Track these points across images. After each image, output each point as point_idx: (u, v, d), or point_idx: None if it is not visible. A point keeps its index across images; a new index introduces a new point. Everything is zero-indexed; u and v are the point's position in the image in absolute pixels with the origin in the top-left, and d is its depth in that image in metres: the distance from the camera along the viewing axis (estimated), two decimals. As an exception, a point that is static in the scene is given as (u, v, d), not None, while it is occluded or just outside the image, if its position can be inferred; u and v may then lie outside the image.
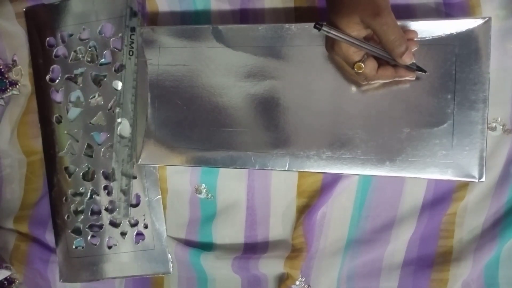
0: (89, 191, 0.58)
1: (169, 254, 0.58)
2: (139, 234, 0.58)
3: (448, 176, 0.47)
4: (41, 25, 0.59)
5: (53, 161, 0.59)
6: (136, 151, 0.56)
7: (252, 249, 0.57)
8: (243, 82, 0.51)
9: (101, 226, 0.58)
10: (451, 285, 0.54)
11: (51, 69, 0.58)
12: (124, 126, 0.57)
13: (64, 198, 0.59)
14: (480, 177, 0.46)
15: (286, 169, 0.50)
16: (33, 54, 0.59)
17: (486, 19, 0.46)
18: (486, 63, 0.46)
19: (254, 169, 0.51)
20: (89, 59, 0.58)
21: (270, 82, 0.51)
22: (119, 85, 0.57)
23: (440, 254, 0.55)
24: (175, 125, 0.53)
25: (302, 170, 0.50)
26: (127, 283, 0.60)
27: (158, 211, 0.58)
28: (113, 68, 0.57)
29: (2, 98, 0.61)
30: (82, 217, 0.58)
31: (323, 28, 0.41)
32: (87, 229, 0.58)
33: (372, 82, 0.47)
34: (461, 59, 0.46)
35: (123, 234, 0.58)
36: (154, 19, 0.57)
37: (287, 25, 0.50)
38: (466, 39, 0.46)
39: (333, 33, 0.41)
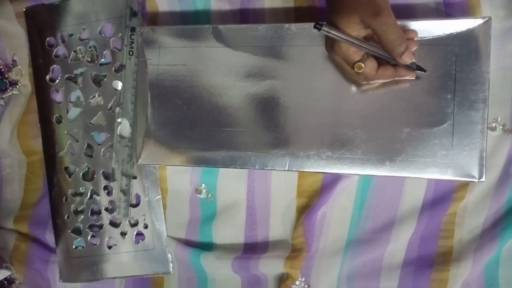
0: (89, 191, 0.58)
1: (169, 254, 0.58)
2: (139, 234, 0.58)
3: (448, 176, 0.47)
4: (41, 25, 0.59)
5: (53, 161, 0.59)
6: (136, 151, 0.56)
7: (252, 249, 0.57)
8: (243, 82, 0.51)
9: (101, 226, 0.58)
10: (451, 285, 0.54)
11: (51, 69, 0.59)
12: (124, 126, 0.57)
13: (64, 198, 0.59)
14: (480, 177, 0.46)
15: (286, 169, 0.50)
16: (33, 54, 0.60)
17: (486, 19, 0.46)
18: (486, 63, 0.46)
19: (254, 169, 0.51)
20: (89, 59, 0.58)
21: (270, 82, 0.51)
22: (119, 85, 0.57)
23: (440, 254, 0.55)
24: (175, 125, 0.53)
25: (302, 170, 0.50)
26: (127, 283, 0.60)
27: (158, 211, 0.58)
28: (113, 68, 0.57)
29: (2, 98, 0.61)
30: (82, 217, 0.58)
31: (323, 28, 0.41)
32: (87, 229, 0.58)
33: (372, 82, 0.47)
34: (461, 59, 0.46)
35: (123, 234, 0.58)
36: (154, 19, 0.57)
37: (287, 25, 0.50)
38: (466, 39, 0.46)
39: (333, 33, 0.41)
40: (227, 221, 0.58)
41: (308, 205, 0.56)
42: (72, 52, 0.58)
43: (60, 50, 0.59)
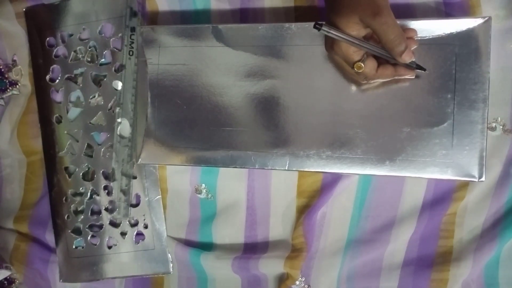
0: (89, 191, 0.58)
1: (169, 254, 0.58)
2: (139, 234, 0.58)
3: (448, 175, 0.47)
4: (41, 25, 0.59)
5: (53, 161, 0.59)
6: (136, 151, 0.56)
7: (252, 249, 0.57)
8: (243, 81, 0.51)
9: (101, 226, 0.58)
10: (451, 285, 0.54)
11: (51, 69, 0.59)
12: (124, 126, 0.57)
13: (64, 198, 0.59)
14: (480, 176, 0.46)
15: (286, 168, 0.50)
16: (33, 54, 0.60)
17: (486, 18, 0.46)
18: (486, 63, 0.46)
19: (254, 169, 0.51)
20: (89, 59, 0.58)
21: (270, 81, 0.51)
22: (119, 85, 0.57)
23: (440, 254, 0.55)
24: (175, 125, 0.53)
25: (302, 169, 0.50)
26: (127, 283, 0.60)
27: (158, 211, 0.58)
28: (113, 68, 0.57)
29: (2, 98, 0.61)
30: (82, 217, 0.58)
31: (323, 27, 0.41)
32: (87, 229, 0.58)
33: (372, 81, 0.47)
34: (461, 59, 0.46)
35: (123, 234, 0.58)
36: (154, 18, 0.57)
37: (287, 25, 0.50)
38: (466, 38, 0.46)
39: (333, 32, 0.41)
40: (227, 221, 0.57)
41: (308, 205, 0.56)
42: (72, 52, 0.58)
43: (60, 50, 0.59)
